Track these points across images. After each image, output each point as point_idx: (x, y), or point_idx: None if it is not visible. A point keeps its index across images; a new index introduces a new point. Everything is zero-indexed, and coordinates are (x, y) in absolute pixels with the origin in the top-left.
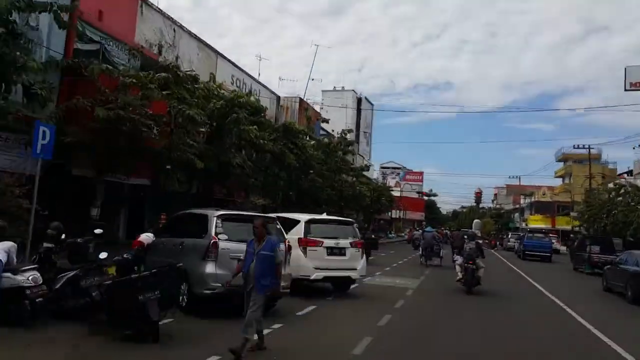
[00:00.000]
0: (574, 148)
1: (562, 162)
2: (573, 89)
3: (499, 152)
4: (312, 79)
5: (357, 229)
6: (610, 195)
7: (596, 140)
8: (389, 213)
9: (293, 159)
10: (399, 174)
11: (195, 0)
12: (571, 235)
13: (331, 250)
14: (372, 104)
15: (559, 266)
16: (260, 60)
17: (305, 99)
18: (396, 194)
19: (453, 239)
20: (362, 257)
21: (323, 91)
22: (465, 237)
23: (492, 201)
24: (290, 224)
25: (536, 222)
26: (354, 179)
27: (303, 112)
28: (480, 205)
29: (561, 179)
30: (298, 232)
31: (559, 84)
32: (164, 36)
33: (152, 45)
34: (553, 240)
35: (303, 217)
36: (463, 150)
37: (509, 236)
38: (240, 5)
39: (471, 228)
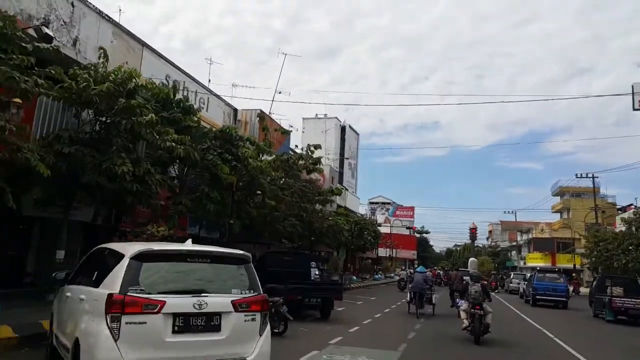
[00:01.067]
0: (576, 177)
1: (559, 197)
2: (559, 128)
3: (490, 191)
4: (279, 92)
5: (251, 273)
6: (631, 228)
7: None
8: (376, 251)
9: (227, 171)
10: (388, 209)
11: (189, 45)
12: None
13: (184, 323)
14: (357, 133)
15: (575, 312)
16: (211, 63)
17: (270, 113)
18: (386, 230)
19: (452, 280)
20: (262, 332)
21: (304, 119)
22: (468, 278)
23: (487, 238)
24: (109, 262)
25: (535, 260)
26: (324, 207)
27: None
28: (475, 243)
29: (559, 214)
30: (113, 281)
31: (545, 123)
32: (55, 10)
33: (31, 18)
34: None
35: (131, 248)
36: (454, 189)
37: (511, 277)
38: (236, 50)
39: (466, 267)
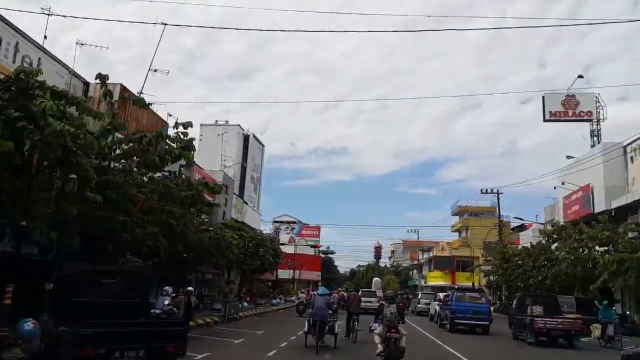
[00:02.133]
0: (481, 193)
1: (458, 216)
2: (454, 157)
3: (392, 215)
4: (155, 70)
5: None
6: (549, 241)
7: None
8: (276, 272)
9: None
10: (293, 228)
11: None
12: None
13: None
14: (262, 145)
15: (493, 335)
16: (49, 15)
17: (140, 94)
18: (290, 250)
19: (349, 302)
20: None
21: (202, 125)
22: (376, 299)
23: (389, 258)
24: None
25: (436, 279)
26: (204, 215)
27: (127, 104)
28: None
29: (457, 233)
30: None
31: (442, 152)
32: None
33: None
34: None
35: None
36: (359, 212)
37: (419, 297)
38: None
39: (370, 287)
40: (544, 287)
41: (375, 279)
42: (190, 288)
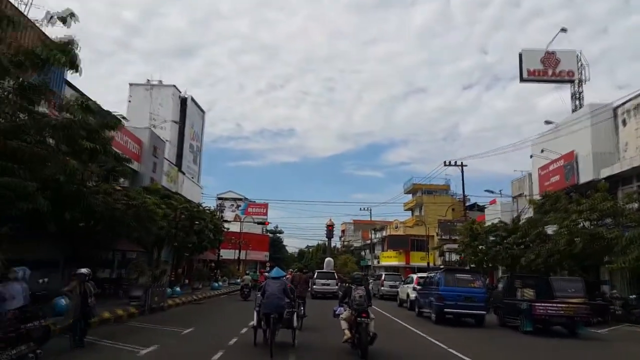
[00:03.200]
0: (445, 165)
1: (411, 195)
2: (398, 141)
3: (340, 196)
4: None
5: None
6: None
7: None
8: (218, 252)
9: None
10: (239, 205)
11: None
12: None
13: None
14: (202, 111)
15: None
16: None
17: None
18: (235, 229)
19: (295, 283)
20: None
21: (131, 84)
22: (349, 281)
23: (340, 238)
24: None
25: (389, 259)
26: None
27: None
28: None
29: (410, 212)
30: None
31: (386, 136)
32: None
33: None
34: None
35: None
36: (307, 194)
37: (383, 278)
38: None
39: (322, 268)
40: (532, 266)
41: (327, 259)
42: (83, 270)
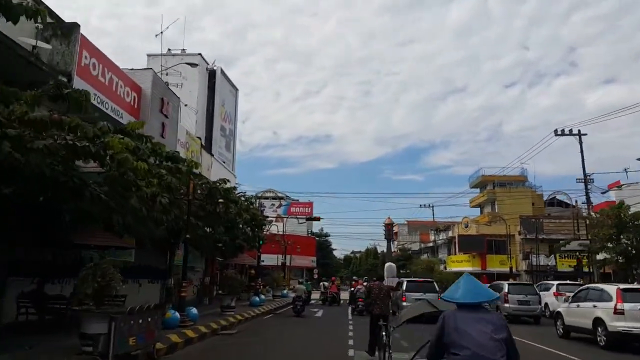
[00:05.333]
0: (555, 135)
1: (479, 189)
2: (438, 143)
3: (379, 202)
4: None
5: None
6: None
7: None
8: (258, 254)
9: None
10: (280, 205)
11: None
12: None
13: None
14: (235, 88)
15: None
16: None
17: None
18: (275, 231)
19: (374, 296)
20: None
21: (149, 55)
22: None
23: (391, 240)
24: None
25: (460, 263)
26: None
27: None
28: (378, 247)
29: (479, 208)
30: None
31: (425, 138)
32: None
33: None
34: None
35: None
36: (346, 200)
37: (505, 291)
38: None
39: (375, 275)
40: None
41: (388, 264)
42: None
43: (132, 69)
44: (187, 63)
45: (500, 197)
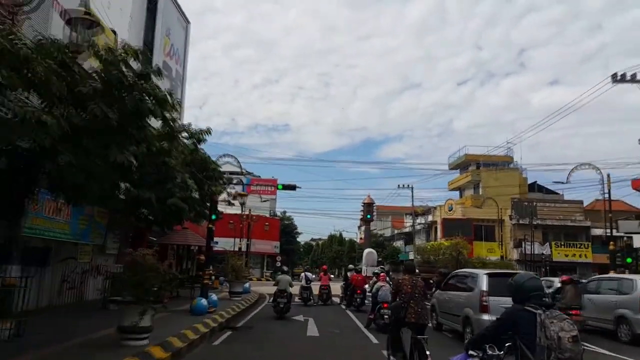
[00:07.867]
0: (613, 81)
1: (458, 171)
2: (393, 136)
3: (337, 192)
4: None
5: None
6: None
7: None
8: (210, 231)
9: None
10: (240, 180)
11: None
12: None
13: None
14: (187, 21)
15: None
16: None
17: None
18: (235, 211)
19: (404, 294)
20: None
21: None
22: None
23: (358, 227)
24: None
25: None
26: None
27: None
28: (344, 236)
29: (458, 192)
30: None
31: (381, 132)
32: None
33: None
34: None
35: None
36: (304, 190)
37: (585, 284)
38: None
39: (350, 265)
40: None
41: (367, 250)
42: None
43: None
44: None
45: (485, 179)
